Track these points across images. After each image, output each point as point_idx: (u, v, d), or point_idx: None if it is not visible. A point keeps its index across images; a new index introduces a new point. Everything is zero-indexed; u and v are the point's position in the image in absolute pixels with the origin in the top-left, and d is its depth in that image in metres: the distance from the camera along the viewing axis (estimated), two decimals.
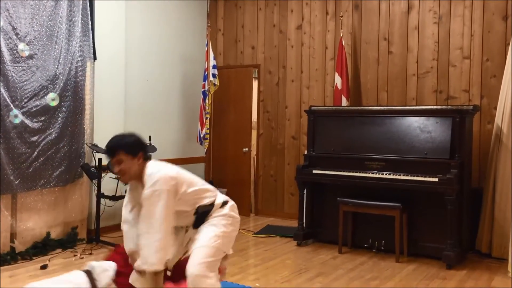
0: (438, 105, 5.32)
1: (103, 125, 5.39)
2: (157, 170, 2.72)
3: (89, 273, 2.87)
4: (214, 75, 6.36)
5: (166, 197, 2.66)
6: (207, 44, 6.40)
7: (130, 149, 2.74)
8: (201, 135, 6.39)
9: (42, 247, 4.71)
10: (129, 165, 2.74)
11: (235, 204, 3.00)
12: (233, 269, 4.24)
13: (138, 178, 2.78)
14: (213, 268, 2.74)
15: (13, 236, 4.57)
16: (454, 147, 4.56)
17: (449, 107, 4.83)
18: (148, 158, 2.85)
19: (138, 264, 2.67)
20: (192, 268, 2.66)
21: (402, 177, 4.64)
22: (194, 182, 2.90)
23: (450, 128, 4.59)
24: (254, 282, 4.01)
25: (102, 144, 5.16)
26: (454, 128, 4.58)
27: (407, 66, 5.67)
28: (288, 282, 4.06)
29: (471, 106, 4.72)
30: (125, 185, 3.01)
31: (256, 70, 6.86)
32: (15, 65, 4.52)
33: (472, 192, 4.90)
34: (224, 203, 2.93)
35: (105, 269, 2.90)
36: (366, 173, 4.84)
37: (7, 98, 4.43)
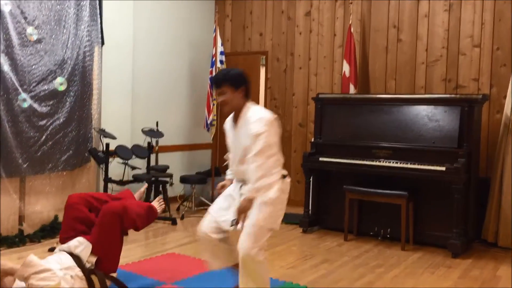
0: (447, 94, 5.28)
1: (110, 110, 5.40)
2: (265, 112, 2.90)
3: (70, 254, 3.12)
4: (221, 62, 6.33)
5: (274, 137, 2.84)
6: (215, 30, 6.37)
7: (234, 82, 2.92)
8: (208, 122, 6.38)
9: (50, 230, 4.75)
10: (231, 97, 2.93)
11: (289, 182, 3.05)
12: None
13: (237, 112, 2.97)
14: (262, 247, 2.87)
15: (21, 219, 4.62)
16: (462, 136, 4.53)
17: (458, 96, 4.79)
18: (248, 96, 2.99)
19: (248, 190, 2.82)
20: (244, 249, 2.82)
21: (409, 165, 4.63)
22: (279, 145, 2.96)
23: (458, 117, 4.56)
24: None
25: (109, 129, 5.20)
26: (463, 117, 4.55)
27: (416, 54, 5.62)
28: (293, 268, 4.08)
29: (480, 95, 4.69)
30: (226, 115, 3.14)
31: (264, 57, 6.83)
32: (23, 49, 4.52)
33: (479, 182, 4.88)
34: (284, 176, 2.96)
35: (77, 245, 3.18)
36: (373, 161, 4.83)
37: (15, 82, 4.44)
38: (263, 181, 2.77)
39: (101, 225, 3.23)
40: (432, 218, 4.76)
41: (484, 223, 4.88)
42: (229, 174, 3.25)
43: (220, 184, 3.24)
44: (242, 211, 2.84)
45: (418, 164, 4.60)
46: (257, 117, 2.86)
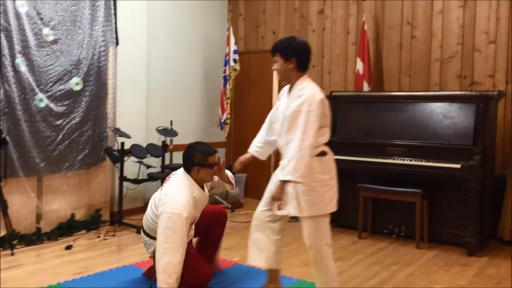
0: (462, 90, 5.23)
1: (125, 109, 5.46)
2: (312, 90, 2.86)
3: None
4: (235, 60, 6.36)
5: (314, 118, 2.79)
6: (228, 29, 6.39)
7: (284, 53, 2.93)
8: (222, 120, 6.42)
9: (67, 228, 4.82)
10: (281, 67, 2.96)
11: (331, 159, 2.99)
12: None
13: (290, 83, 3.00)
14: (324, 238, 2.94)
15: (39, 217, 4.70)
16: (478, 133, 4.49)
17: (473, 92, 4.75)
18: (304, 69, 2.97)
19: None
20: (307, 245, 2.92)
21: (424, 163, 4.60)
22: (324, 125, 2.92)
23: (473, 114, 4.52)
24: None
25: (124, 128, 5.26)
26: (478, 114, 4.51)
27: (431, 51, 5.58)
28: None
29: (496, 92, 4.64)
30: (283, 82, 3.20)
31: None
32: (39, 49, 4.59)
33: (495, 179, 4.84)
34: (322, 153, 2.92)
35: None
36: (388, 159, 4.81)
37: (32, 83, 4.51)
38: (293, 163, 2.72)
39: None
40: (447, 216, 4.73)
41: (500, 220, 4.84)
42: (253, 146, 3.27)
43: (238, 160, 3.26)
44: (274, 198, 2.81)
45: (433, 162, 4.57)
46: (302, 93, 2.84)
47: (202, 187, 3.28)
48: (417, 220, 4.64)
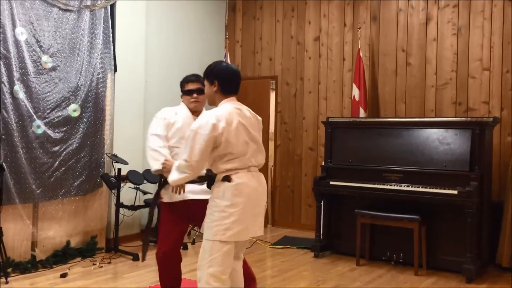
0: (458, 116, 5.28)
1: (122, 136, 5.47)
2: (212, 114, 2.77)
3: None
4: None
5: (201, 140, 2.73)
6: (225, 56, 6.46)
7: (208, 77, 2.94)
8: None
9: (62, 256, 4.77)
10: (206, 90, 2.98)
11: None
12: None
13: (215, 106, 2.96)
14: (216, 264, 2.73)
15: (34, 245, 4.65)
16: (474, 159, 4.51)
17: (469, 119, 4.79)
18: (229, 92, 2.92)
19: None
20: (198, 264, 2.80)
21: (420, 189, 4.61)
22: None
23: (469, 140, 4.55)
24: None
25: (122, 155, 5.26)
26: (474, 140, 4.54)
27: (426, 77, 5.64)
28: None
29: (491, 118, 4.68)
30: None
31: (274, 81, 6.90)
32: (38, 76, 4.62)
33: (492, 205, 4.84)
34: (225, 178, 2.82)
35: None
36: (384, 184, 4.82)
37: (30, 109, 4.53)
38: (173, 169, 2.85)
39: None
40: (445, 242, 4.71)
41: (498, 247, 4.82)
42: None
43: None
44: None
45: (429, 188, 4.58)
46: (201, 116, 2.89)
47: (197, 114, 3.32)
48: (415, 246, 4.62)
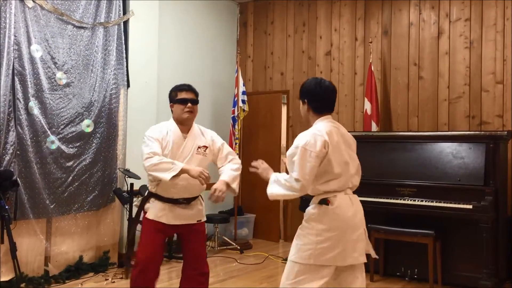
0: (471, 130, 5.23)
1: (135, 151, 5.48)
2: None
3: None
4: (243, 101, 6.43)
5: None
6: (237, 71, 6.50)
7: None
8: None
9: (75, 271, 4.78)
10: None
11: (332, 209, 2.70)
12: None
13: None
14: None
15: (47, 260, 4.67)
16: (488, 173, 4.46)
17: (482, 132, 4.75)
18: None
19: None
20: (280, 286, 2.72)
21: (434, 203, 4.56)
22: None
23: (483, 154, 4.50)
24: None
25: (134, 170, 5.28)
26: (488, 154, 4.49)
27: (438, 91, 5.62)
28: None
29: (505, 132, 4.63)
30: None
31: (285, 95, 6.91)
32: (52, 93, 4.68)
33: (508, 220, 4.76)
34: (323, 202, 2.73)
35: None
36: (398, 199, 4.78)
37: (44, 125, 4.58)
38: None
39: None
40: (460, 257, 4.64)
41: None
42: None
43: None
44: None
45: (443, 202, 4.52)
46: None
47: (185, 131, 3.26)
48: (430, 262, 4.55)
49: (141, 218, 3.36)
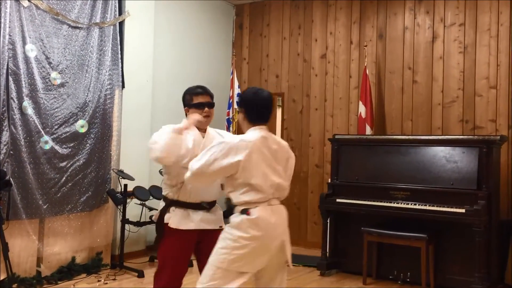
0: (465, 135, 5.26)
1: (129, 152, 5.48)
2: None
3: None
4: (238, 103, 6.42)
5: None
6: (232, 73, 6.50)
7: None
8: None
9: (67, 272, 4.76)
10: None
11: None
12: None
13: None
14: None
15: (39, 260, 4.64)
16: (481, 177, 4.49)
17: (476, 137, 4.78)
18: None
19: None
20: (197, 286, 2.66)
21: (428, 207, 4.58)
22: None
23: (477, 158, 4.53)
24: None
25: (128, 170, 5.27)
26: (481, 158, 4.52)
27: (432, 95, 5.65)
28: None
29: (498, 137, 4.66)
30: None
31: (280, 98, 6.92)
32: (47, 93, 4.66)
33: (500, 224, 4.79)
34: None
35: None
36: (391, 202, 4.79)
37: (38, 125, 4.56)
38: None
39: None
40: (453, 261, 4.66)
41: (507, 266, 4.76)
42: None
43: None
44: None
45: (437, 206, 4.54)
46: None
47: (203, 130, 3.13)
48: (423, 265, 4.57)
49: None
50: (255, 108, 2.78)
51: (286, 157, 2.84)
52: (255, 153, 2.65)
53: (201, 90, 3.10)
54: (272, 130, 6.78)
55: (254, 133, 2.73)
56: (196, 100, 3.06)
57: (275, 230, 2.71)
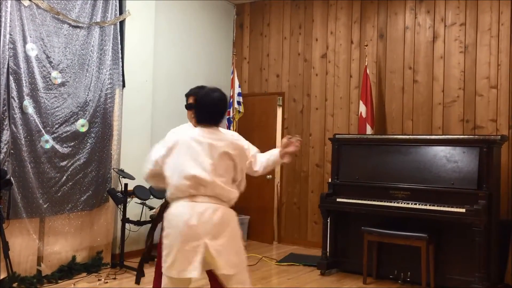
0: (465, 134, 5.26)
1: (129, 151, 5.48)
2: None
3: None
4: (239, 103, 6.43)
5: None
6: (233, 72, 6.50)
7: None
8: None
9: (68, 271, 4.76)
10: None
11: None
12: None
13: None
14: None
15: (40, 260, 4.64)
16: (482, 177, 4.48)
17: (476, 136, 4.77)
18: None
19: None
20: None
21: (428, 207, 4.58)
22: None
23: (477, 158, 4.53)
24: None
25: (129, 170, 5.27)
26: (482, 158, 4.51)
27: (433, 95, 5.64)
28: None
29: (499, 136, 4.66)
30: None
31: (281, 97, 6.92)
32: (47, 92, 4.66)
33: (500, 224, 4.79)
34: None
35: None
36: (391, 202, 4.79)
37: (39, 124, 4.56)
38: None
39: None
40: (453, 261, 4.66)
41: (506, 266, 4.76)
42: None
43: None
44: None
45: (437, 206, 4.54)
46: None
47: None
48: (423, 265, 4.57)
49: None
50: (204, 109, 2.69)
51: (224, 151, 2.60)
52: (178, 146, 2.60)
53: (190, 92, 3.20)
54: (273, 130, 6.80)
55: (190, 129, 2.78)
56: (189, 101, 3.22)
57: (191, 229, 2.46)
